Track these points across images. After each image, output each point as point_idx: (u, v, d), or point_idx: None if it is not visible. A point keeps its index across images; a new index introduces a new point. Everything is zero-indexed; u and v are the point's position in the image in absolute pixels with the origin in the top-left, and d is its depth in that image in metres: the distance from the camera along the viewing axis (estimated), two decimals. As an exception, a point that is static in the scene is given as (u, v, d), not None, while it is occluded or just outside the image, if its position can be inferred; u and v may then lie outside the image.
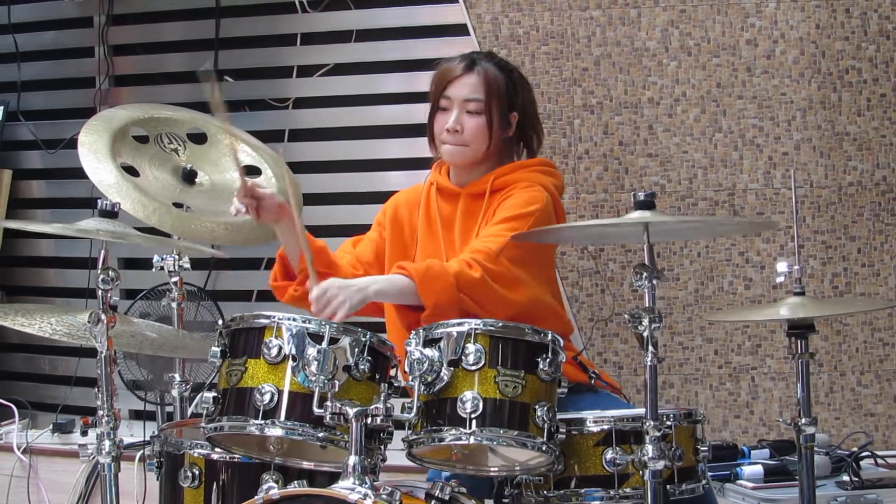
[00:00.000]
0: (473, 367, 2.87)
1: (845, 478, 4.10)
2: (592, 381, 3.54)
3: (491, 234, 3.44)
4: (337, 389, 2.85)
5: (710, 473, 3.48)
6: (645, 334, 2.92)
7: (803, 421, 3.30)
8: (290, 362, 2.89)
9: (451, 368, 2.88)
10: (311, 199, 4.34)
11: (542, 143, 3.81)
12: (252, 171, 4.12)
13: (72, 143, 4.23)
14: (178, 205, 3.85)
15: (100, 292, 3.06)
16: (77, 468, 4.87)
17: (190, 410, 4.14)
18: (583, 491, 3.03)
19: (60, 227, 3.18)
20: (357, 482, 2.77)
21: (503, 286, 3.34)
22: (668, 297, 4.79)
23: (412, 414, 2.89)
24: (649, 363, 2.93)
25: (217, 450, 3.11)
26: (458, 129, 3.62)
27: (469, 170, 3.70)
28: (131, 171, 3.84)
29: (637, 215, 2.99)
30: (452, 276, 3.25)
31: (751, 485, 4.07)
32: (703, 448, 3.12)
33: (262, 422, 2.87)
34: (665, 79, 4.82)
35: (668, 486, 3.00)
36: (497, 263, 3.34)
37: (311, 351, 2.88)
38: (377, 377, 2.96)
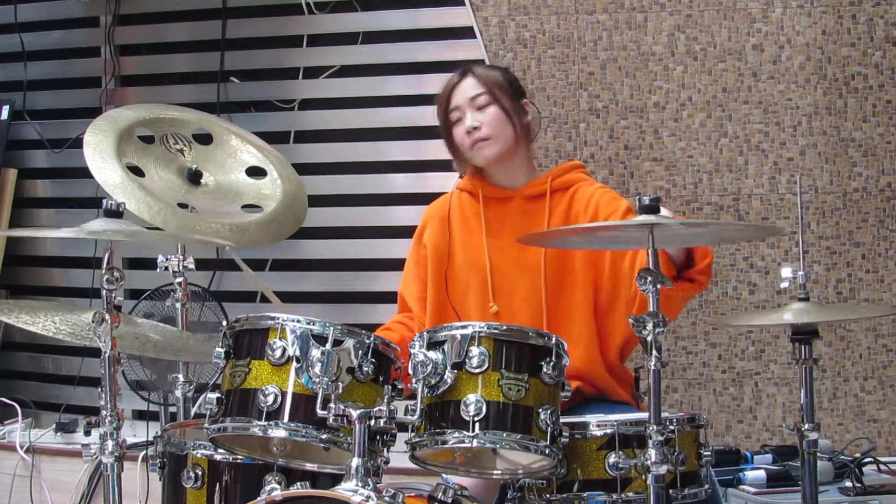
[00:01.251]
0: (477, 370, 2.87)
1: (848, 483, 4.11)
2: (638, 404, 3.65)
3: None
4: (340, 391, 2.85)
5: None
6: (649, 338, 2.92)
7: (806, 426, 3.30)
8: (294, 364, 2.89)
9: (455, 371, 2.88)
10: (316, 201, 4.34)
11: None
12: (257, 171, 4.13)
13: (77, 143, 4.24)
14: (183, 205, 3.85)
15: (104, 292, 3.06)
16: (79, 468, 4.87)
17: (193, 411, 4.14)
18: (585, 495, 3.02)
19: (69, 231, 3.16)
20: (360, 484, 2.76)
21: None
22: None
23: (415, 416, 2.89)
24: (653, 367, 2.92)
25: (220, 451, 3.11)
26: (476, 125, 3.68)
27: (510, 168, 3.78)
28: (137, 171, 3.84)
29: (642, 219, 2.99)
30: None
31: (753, 490, 4.07)
32: (706, 453, 3.12)
33: (266, 423, 2.87)
34: (671, 83, 4.82)
35: (670, 491, 2.99)
36: None
37: (315, 352, 2.88)
38: (381, 379, 2.95)
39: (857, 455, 4.32)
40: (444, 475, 3.18)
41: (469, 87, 3.72)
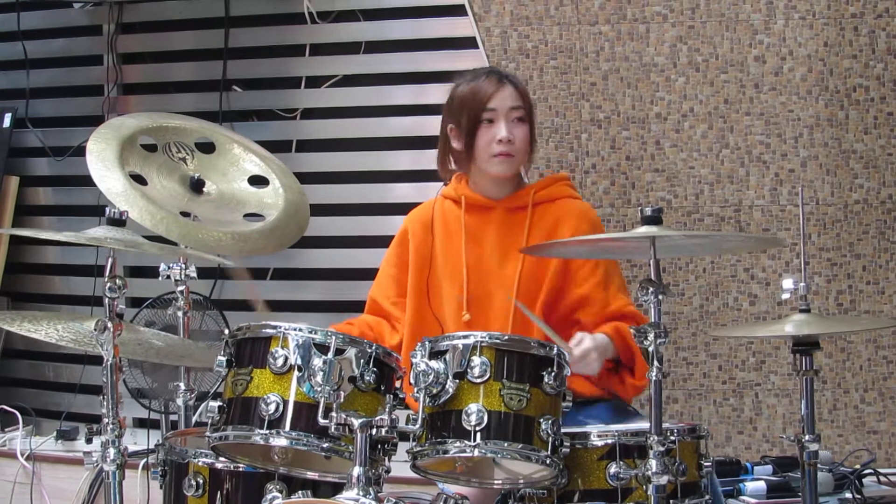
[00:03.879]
0: (479, 380, 2.88)
1: (848, 495, 4.11)
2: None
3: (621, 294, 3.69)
4: (342, 400, 2.85)
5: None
6: (650, 349, 2.93)
7: (807, 437, 3.30)
8: (296, 372, 2.90)
9: (457, 381, 2.88)
10: (318, 210, 4.35)
11: None
12: (259, 180, 4.13)
13: (80, 151, 4.24)
14: (185, 214, 3.86)
15: (106, 300, 3.06)
16: (80, 475, 4.86)
17: (194, 419, 4.14)
18: (586, 505, 3.04)
19: (71, 236, 3.17)
20: (361, 493, 2.77)
21: None
22: (673, 313, 4.80)
23: (417, 426, 2.89)
24: (654, 378, 2.93)
25: (221, 459, 3.11)
26: (510, 138, 3.67)
27: (502, 183, 3.79)
28: (139, 179, 3.85)
29: (644, 230, 2.99)
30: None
31: (753, 501, 4.08)
32: (706, 463, 3.12)
33: (267, 431, 2.88)
34: (673, 94, 4.83)
35: (671, 501, 3.00)
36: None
37: (317, 361, 2.88)
38: (382, 388, 2.96)
39: (857, 466, 4.33)
40: (443, 485, 3.18)
41: (510, 97, 3.71)
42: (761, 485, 4.15)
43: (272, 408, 2.88)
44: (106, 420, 3.09)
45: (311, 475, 3.07)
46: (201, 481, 3.17)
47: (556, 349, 2.95)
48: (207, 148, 4.14)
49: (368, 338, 3.68)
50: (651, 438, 2.91)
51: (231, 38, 5.30)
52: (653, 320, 2.94)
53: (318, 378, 2.87)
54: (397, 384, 3.02)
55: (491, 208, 3.78)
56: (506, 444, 2.85)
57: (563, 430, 2.94)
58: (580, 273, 3.69)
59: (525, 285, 3.68)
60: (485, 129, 3.70)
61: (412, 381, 2.92)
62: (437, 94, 5.01)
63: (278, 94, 5.31)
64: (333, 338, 2.92)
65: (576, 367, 3.36)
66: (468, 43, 4.97)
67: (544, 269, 3.69)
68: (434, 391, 2.89)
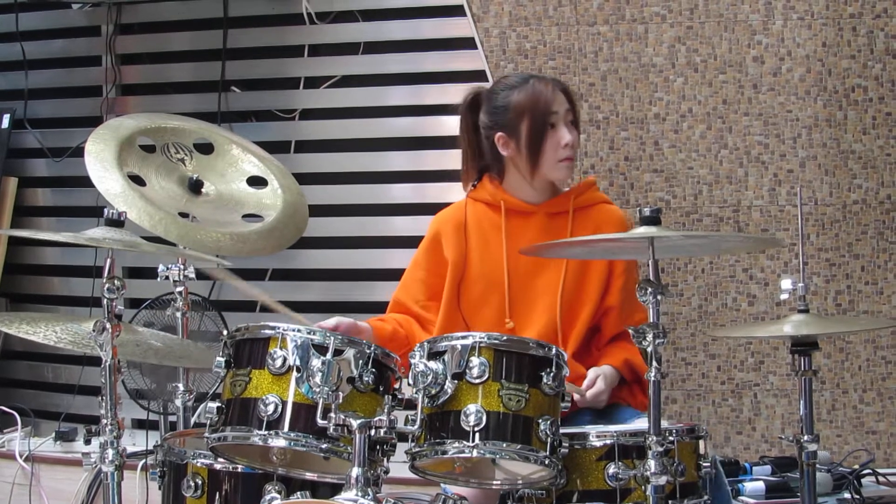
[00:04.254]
0: (477, 381, 2.87)
1: (847, 495, 4.11)
2: None
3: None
4: (341, 401, 2.85)
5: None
6: (649, 349, 2.93)
7: (805, 438, 3.30)
8: (295, 373, 2.89)
9: (455, 381, 2.88)
10: (316, 211, 4.35)
11: None
12: (258, 181, 4.13)
13: (78, 152, 4.24)
14: (184, 214, 3.85)
15: (105, 301, 3.06)
16: (79, 476, 4.86)
17: (193, 420, 4.14)
18: (585, 505, 3.04)
19: (70, 236, 3.17)
20: (360, 494, 2.77)
21: None
22: (671, 313, 4.80)
23: (416, 426, 2.89)
24: (653, 378, 2.93)
25: (220, 460, 3.11)
26: (573, 143, 3.70)
27: (542, 188, 3.79)
28: (138, 180, 3.85)
29: (642, 231, 2.99)
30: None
31: (752, 501, 4.08)
32: (705, 464, 3.12)
33: (266, 432, 2.88)
34: (671, 95, 4.83)
35: (669, 502, 3.00)
36: None
37: (316, 362, 2.88)
38: (381, 389, 2.96)
39: (856, 467, 4.33)
40: (443, 485, 3.18)
41: (564, 101, 3.71)
42: (760, 485, 4.16)
43: (271, 408, 2.87)
44: (104, 421, 3.09)
45: (309, 476, 3.07)
46: (200, 482, 3.17)
47: (554, 349, 2.95)
48: (206, 149, 4.14)
49: (400, 334, 3.73)
50: (650, 439, 2.91)
51: (229, 39, 5.30)
52: (651, 321, 2.95)
53: (317, 379, 2.87)
54: (396, 385, 3.03)
55: (531, 213, 3.76)
56: (504, 445, 2.85)
57: (561, 431, 2.94)
58: (615, 283, 3.69)
59: (568, 291, 3.68)
60: (552, 133, 3.68)
61: (410, 381, 2.92)
62: (435, 94, 5.02)
63: (277, 95, 5.31)
64: (332, 338, 2.92)
65: (584, 405, 3.45)
66: (467, 43, 4.97)
67: (587, 276, 3.69)
68: (433, 392, 2.89)
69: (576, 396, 3.48)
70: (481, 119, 3.80)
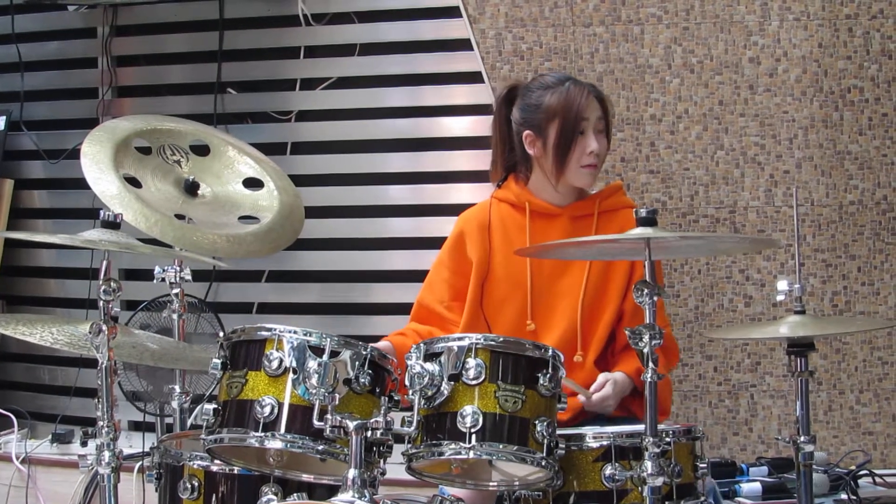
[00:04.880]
0: (474, 382, 2.88)
1: (843, 496, 4.10)
2: None
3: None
4: (337, 402, 2.85)
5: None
6: (645, 350, 2.93)
7: (802, 439, 3.30)
8: (291, 375, 2.90)
9: (452, 383, 2.88)
10: (313, 213, 4.34)
11: None
12: (254, 183, 4.13)
13: (74, 154, 4.23)
14: (180, 216, 3.85)
15: (101, 303, 3.06)
16: (75, 478, 4.86)
17: (190, 422, 4.14)
18: (581, 506, 3.04)
19: (66, 238, 3.17)
20: (356, 495, 2.77)
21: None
22: (668, 314, 4.79)
23: (412, 428, 2.89)
24: (649, 379, 2.93)
25: (217, 462, 3.11)
26: (599, 151, 3.71)
27: (567, 191, 3.80)
28: (134, 182, 3.84)
29: (639, 231, 2.99)
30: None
31: (749, 502, 4.07)
32: (701, 465, 3.12)
33: (262, 434, 2.88)
34: (667, 96, 4.83)
35: (666, 503, 3.00)
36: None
37: (312, 364, 2.88)
38: (377, 391, 2.96)
39: (853, 467, 4.32)
40: (440, 487, 3.18)
41: (597, 108, 3.73)
42: (757, 486, 4.15)
43: (267, 410, 2.88)
44: (101, 423, 3.09)
45: (306, 478, 3.08)
46: (196, 484, 3.17)
47: (550, 351, 2.95)
48: (202, 150, 4.14)
49: None
50: (646, 440, 2.91)
51: (225, 41, 5.29)
52: (647, 321, 2.95)
53: (313, 380, 2.87)
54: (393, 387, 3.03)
55: (556, 216, 3.77)
56: (501, 446, 2.86)
57: (558, 432, 2.94)
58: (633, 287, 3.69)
59: (591, 294, 3.68)
60: (580, 139, 3.70)
61: (407, 382, 2.92)
62: (431, 96, 5.02)
63: (273, 97, 5.31)
64: (328, 340, 2.92)
65: (591, 408, 3.43)
66: (463, 45, 4.96)
67: (610, 279, 3.70)
68: (429, 393, 2.89)
69: (581, 398, 3.48)
70: (514, 114, 3.81)
